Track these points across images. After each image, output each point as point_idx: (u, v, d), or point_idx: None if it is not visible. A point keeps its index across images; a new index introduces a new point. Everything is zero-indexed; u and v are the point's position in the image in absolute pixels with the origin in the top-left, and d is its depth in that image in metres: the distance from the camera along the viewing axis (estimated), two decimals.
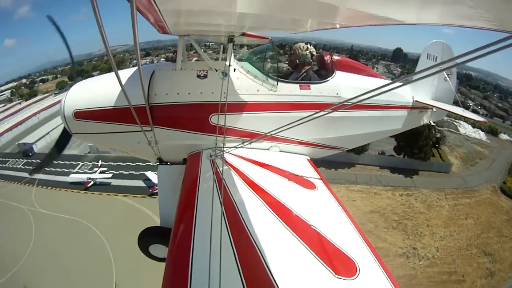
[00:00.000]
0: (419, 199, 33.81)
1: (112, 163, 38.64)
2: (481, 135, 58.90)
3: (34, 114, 62.00)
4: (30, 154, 45.66)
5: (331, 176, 32.87)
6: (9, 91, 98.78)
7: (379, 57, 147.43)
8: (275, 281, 1.95)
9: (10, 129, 55.48)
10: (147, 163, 27.36)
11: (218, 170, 3.15)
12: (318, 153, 4.29)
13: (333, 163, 35.16)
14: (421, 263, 25.55)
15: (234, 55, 3.79)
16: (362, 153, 37.41)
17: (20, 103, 75.86)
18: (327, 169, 34.44)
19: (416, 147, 36.64)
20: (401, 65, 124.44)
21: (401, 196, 34.04)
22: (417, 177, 37.94)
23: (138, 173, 36.02)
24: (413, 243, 27.45)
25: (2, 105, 76.58)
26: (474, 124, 58.34)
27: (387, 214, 30.94)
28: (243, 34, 3.73)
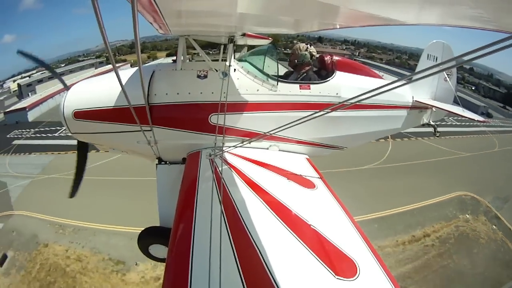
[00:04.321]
0: None
1: None
2: None
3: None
4: None
5: None
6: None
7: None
8: (275, 281, 1.95)
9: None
10: None
11: (218, 169, 3.15)
12: (317, 152, 4.29)
13: None
14: None
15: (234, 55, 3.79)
16: None
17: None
18: None
19: None
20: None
21: None
22: None
23: None
24: None
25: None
26: None
27: None
28: (244, 35, 3.73)
